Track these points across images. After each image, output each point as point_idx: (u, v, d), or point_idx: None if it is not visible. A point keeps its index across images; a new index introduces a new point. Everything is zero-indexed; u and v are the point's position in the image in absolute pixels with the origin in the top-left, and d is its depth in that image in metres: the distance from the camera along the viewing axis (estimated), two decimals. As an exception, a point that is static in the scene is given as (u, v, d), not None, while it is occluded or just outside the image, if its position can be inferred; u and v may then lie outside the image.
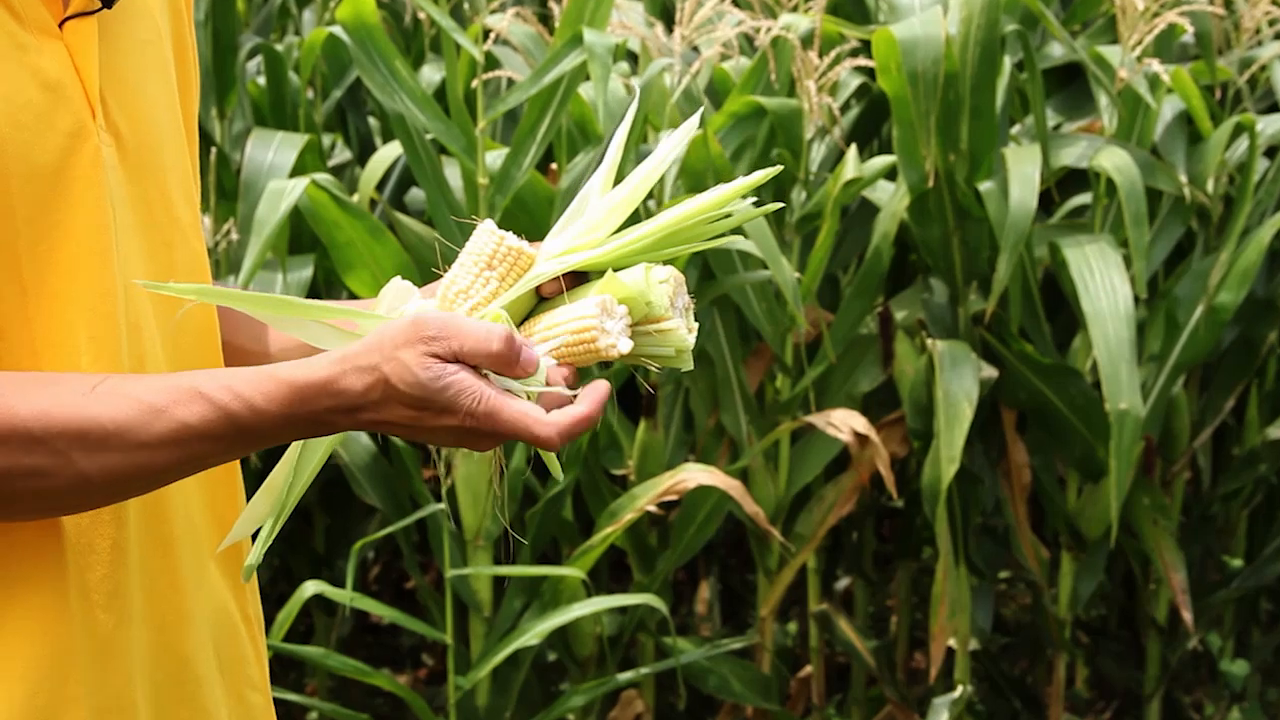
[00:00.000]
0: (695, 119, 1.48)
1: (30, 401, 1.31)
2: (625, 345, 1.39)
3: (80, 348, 1.39)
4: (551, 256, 1.44)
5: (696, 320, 1.45)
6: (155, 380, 1.36)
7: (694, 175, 3.62)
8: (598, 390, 1.38)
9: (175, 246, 1.50)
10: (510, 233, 1.44)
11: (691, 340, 1.42)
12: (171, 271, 1.49)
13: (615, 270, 1.41)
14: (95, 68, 1.42)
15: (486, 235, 1.44)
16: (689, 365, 1.43)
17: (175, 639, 1.49)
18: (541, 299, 1.45)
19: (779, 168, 1.47)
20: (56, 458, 1.32)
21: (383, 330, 1.37)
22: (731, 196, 1.43)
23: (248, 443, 1.37)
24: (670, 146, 1.46)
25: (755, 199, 1.44)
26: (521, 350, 1.37)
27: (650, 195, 1.45)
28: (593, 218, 1.45)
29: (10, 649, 1.38)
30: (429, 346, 1.35)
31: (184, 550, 1.50)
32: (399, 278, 1.48)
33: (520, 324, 1.44)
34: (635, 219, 1.47)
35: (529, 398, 1.37)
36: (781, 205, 1.42)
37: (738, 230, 3.57)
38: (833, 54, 3.70)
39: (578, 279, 1.45)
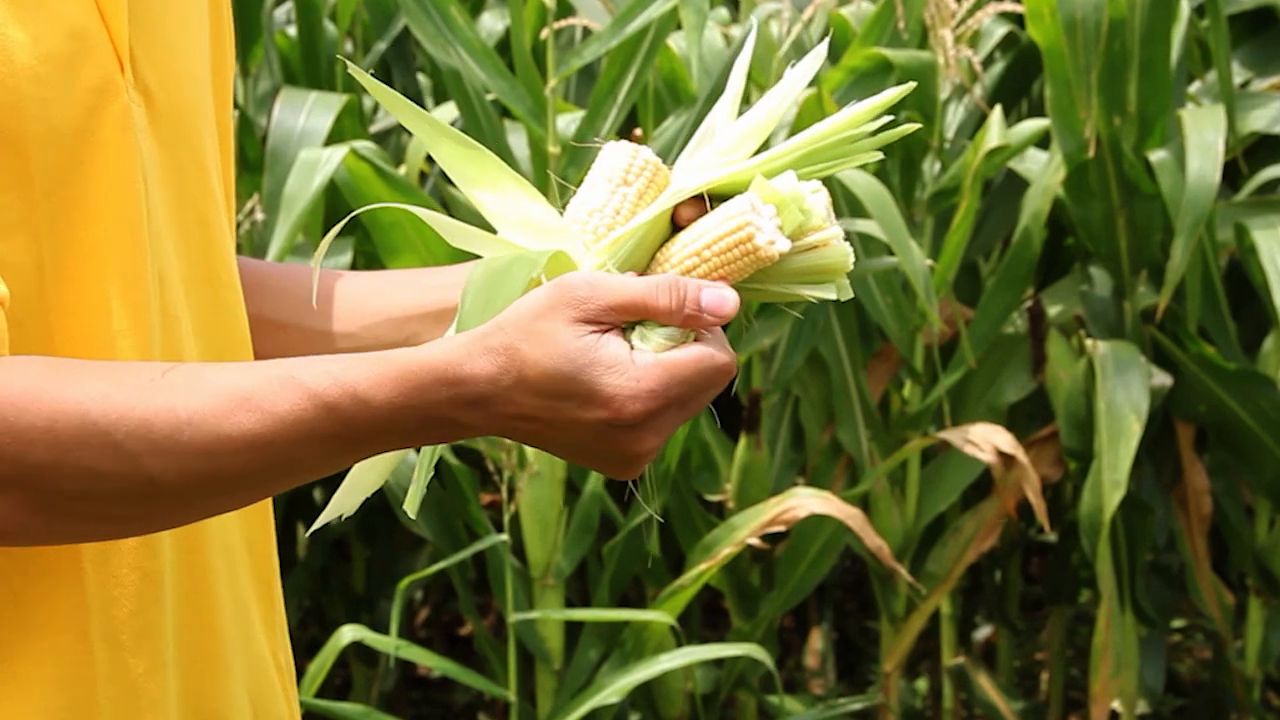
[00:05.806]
0: (823, 47, 1.52)
1: (85, 385, 1.28)
2: (784, 243, 1.43)
3: (106, 342, 1.39)
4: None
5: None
6: (239, 366, 1.34)
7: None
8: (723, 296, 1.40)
9: (212, 225, 1.51)
10: (645, 146, 1.50)
11: (852, 260, 1.47)
12: (209, 254, 1.50)
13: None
14: (124, 15, 1.42)
15: (618, 150, 1.50)
16: (849, 293, 1.48)
17: (207, 690, 1.50)
18: (676, 229, 1.50)
19: (911, 85, 1.53)
20: (116, 452, 1.28)
21: (520, 302, 1.36)
22: (868, 115, 1.48)
23: (350, 444, 1.34)
24: (798, 76, 1.51)
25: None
26: (702, 292, 1.38)
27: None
28: (725, 142, 1.50)
29: (24, 698, 1.38)
30: (579, 310, 1.34)
31: (221, 586, 1.51)
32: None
33: (654, 254, 1.49)
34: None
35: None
36: (918, 126, 1.49)
37: (860, 212, 3.60)
38: (973, -3, 3.70)
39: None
